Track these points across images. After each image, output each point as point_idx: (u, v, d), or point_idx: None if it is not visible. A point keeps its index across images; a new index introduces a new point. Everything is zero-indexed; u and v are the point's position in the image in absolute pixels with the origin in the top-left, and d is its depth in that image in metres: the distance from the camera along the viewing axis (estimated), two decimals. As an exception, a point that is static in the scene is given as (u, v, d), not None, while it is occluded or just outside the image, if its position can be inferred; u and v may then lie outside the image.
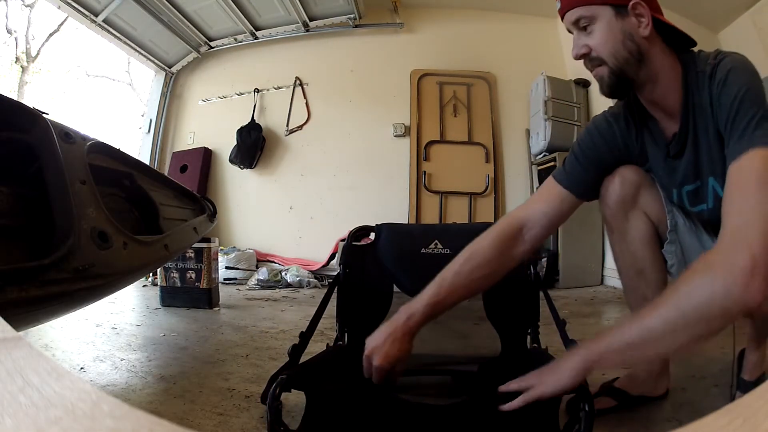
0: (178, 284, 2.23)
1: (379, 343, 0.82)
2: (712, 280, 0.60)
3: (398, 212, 3.43)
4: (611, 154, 0.91)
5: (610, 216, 0.95)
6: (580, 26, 0.80)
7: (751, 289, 0.57)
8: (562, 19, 0.84)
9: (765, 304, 0.60)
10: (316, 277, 3.15)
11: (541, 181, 3.36)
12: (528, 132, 3.49)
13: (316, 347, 1.08)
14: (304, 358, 0.97)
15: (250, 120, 3.78)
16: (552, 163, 3.14)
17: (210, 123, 3.98)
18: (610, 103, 0.98)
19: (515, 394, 0.71)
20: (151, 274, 2.70)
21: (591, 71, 0.83)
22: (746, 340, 0.98)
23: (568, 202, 0.90)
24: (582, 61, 0.83)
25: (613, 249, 0.99)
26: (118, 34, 3.45)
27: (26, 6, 7.28)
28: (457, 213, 3.44)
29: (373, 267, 1.16)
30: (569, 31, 0.84)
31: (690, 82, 0.79)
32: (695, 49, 0.83)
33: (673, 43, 0.82)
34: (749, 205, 0.62)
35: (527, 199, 0.96)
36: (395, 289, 1.16)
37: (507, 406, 0.71)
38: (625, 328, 0.67)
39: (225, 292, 2.59)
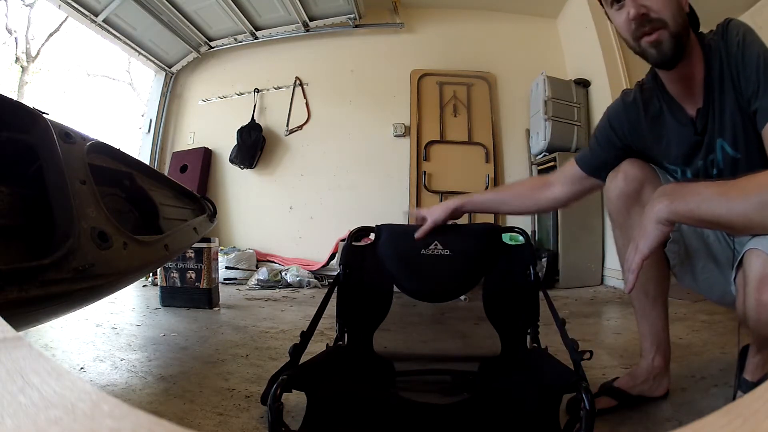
0: (178, 284, 2.23)
1: (433, 209, 1.13)
2: None
3: (398, 212, 3.43)
4: (623, 141, 0.96)
5: (613, 211, 0.97)
6: None
7: None
8: None
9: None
10: (316, 277, 3.15)
11: (541, 181, 3.36)
12: (528, 132, 3.49)
13: (316, 347, 1.08)
14: (304, 359, 0.97)
15: (250, 120, 3.78)
16: (552, 163, 3.14)
17: (210, 123, 3.98)
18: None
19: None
20: (151, 274, 2.70)
21: (641, 36, 0.81)
22: (749, 338, 0.98)
23: (585, 182, 1.04)
24: (630, 26, 0.80)
25: (617, 244, 1.01)
26: (118, 34, 3.45)
27: (26, 6, 7.28)
28: (457, 213, 3.43)
29: (373, 267, 1.16)
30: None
31: (709, 57, 0.81)
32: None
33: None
34: None
35: (554, 171, 1.16)
36: (395, 289, 1.16)
37: (630, 278, 0.77)
38: (705, 188, 0.69)
39: (225, 292, 2.59)
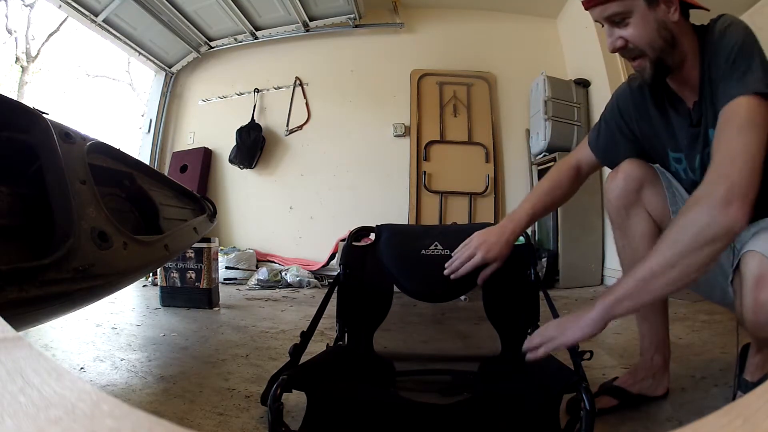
0: (178, 284, 2.23)
1: (488, 239, 1.00)
2: (699, 211, 0.69)
3: (398, 212, 3.43)
4: (628, 127, 0.96)
5: (613, 211, 0.97)
6: (614, 21, 0.81)
7: (730, 214, 0.66)
8: (587, 8, 0.84)
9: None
10: (316, 277, 3.15)
11: (541, 181, 3.36)
12: (528, 132, 3.49)
13: (316, 347, 1.08)
14: (304, 359, 0.97)
15: (250, 120, 3.78)
16: (552, 163, 3.14)
17: (210, 123, 3.98)
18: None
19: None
20: (151, 274, 2.70)
21: (630, 62, 0.85)
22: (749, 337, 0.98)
23: (594, 162, 1.05)
24: (618, 53, 0.85)
25: (617, 244, 1.02)
26: (118, 34, 3.45)
27: (26, 6, 7.28)
28: (457, 213, 3.44)
29: (373, 267, 1.16)
30: (597, 22, 0.85)
31: (705, 52, 0.81)
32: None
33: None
34: (733, 145, 0.69)
35: (572, 151, 1.12)
36: (395, 289, 1.16)
37: (531, 356, 0.78)
38: (633, 273, 0.74)
39: (225, 292, 2.59)
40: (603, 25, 0.84)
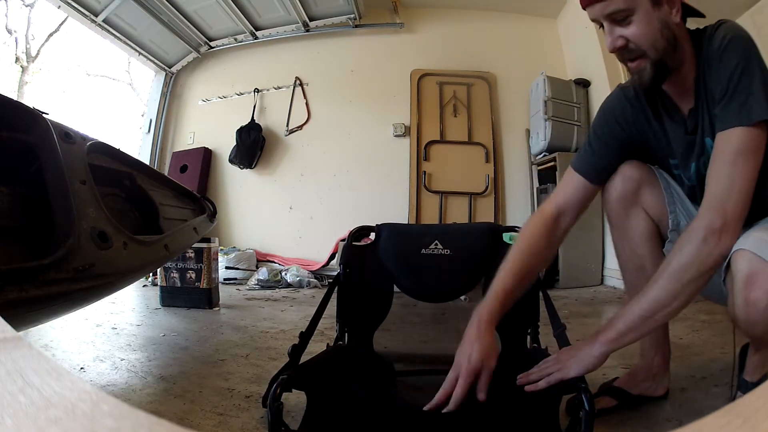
0: (178, 284, 2.23)
1: (463, 352, 0.80)
2: (696, 242, 0.73)
3: (398, 212, 3.43)
4: (626, 133, 0.93)
5: (611, 212, 0.97)
6: (616, 18, 0.77)
7: (724, 243, 0.71)
8: (585, 6, 0.80)
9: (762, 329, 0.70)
10: (316, 277, 3.15)
11: (541, 181, 3.36)
12: (528, 132, 3.49)
13: (316, 347, 1.08)
14: (304, 358, 0.97)
15: (250, 120, 3.78)
16: (552, 163, 3.14)
17: (210, 123, 3.98)
18: None
19: (518, 392, 0.71)
20: (151, 274, 2.70)
21: (627, 63, 0.82)
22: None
23: (588, 188, 0.95)
24: (616, 54, 0.82)
25: (615, 245, 1.01)
26: (118, 34, 3.45)
27: (26, 6, 7.27)
28: (457, 213, 3.44)
29: (373, 267, 1.16)
30: (595, 22, 0.81)
31: (701, 58, 0.80)
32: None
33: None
34: (729, 176, 0.72)
35: (554, 191, 1.00)
36: (395, 289, 1.16)
37: (530, 387, 0.78)
38: (632, 306, 0.76)
39: (225, 292, 2.59)
40: (601, 26, 0.80)
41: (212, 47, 3.93)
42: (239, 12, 3.49)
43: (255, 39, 3.82)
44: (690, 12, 0.83)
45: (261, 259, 3.53)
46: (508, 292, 0.85)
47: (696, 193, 0.90)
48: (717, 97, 0.76)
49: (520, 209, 3.49)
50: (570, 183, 0.95)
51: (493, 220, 3.37)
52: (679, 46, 0.80)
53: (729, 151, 0.73)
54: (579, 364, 0.78)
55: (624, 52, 0.80)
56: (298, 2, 3.42)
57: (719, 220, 0.71)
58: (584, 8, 0.80)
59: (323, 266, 3.25)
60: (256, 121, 3.79)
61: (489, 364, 0.76)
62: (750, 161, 0.72)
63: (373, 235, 1.21)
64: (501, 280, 0.87)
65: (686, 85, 0.84)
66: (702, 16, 0.84)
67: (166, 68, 3.99)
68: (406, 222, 3.38)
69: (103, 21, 3.27)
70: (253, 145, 3.70)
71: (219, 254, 2.60)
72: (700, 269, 0.72)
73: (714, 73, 0.77)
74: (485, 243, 1.15)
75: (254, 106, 3.84)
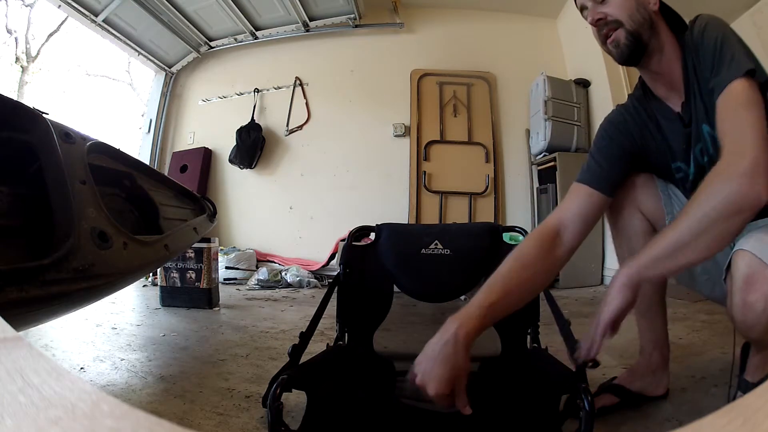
0: (178, 284, 2.23)
1: (428, 367, 0.70)
2: (723, 184, 0.67)
3: (398, 212, 3.43)
4: (628, 142, 0.94)
5: (610, 214, 0.99)
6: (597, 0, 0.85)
7: (756, 186, 0.65)
8: None
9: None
10: (316, 277, 3.15)
11: (541, 181, 3.37)
12: (528, 132, 3.49)
13: (316, 347, 1.08)
14: (304, 358, 0.97)
15: (250, 120, 3.78)
16: (552, 163, 3.14)
17: (210, 123, 3.98)
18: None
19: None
20: (151, 274, 2.70)
21: (605, 39, 0.87)
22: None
23: (594, 200, 0.91)
24: (595, 31, 0.87)
25: (614, 242, 1.04)
26: (118, 34, 3.45)
27: (26, 6, 7.27)
28: (457, 213, 3.44)
29: (373, 267, 1.16)
30: (582, 10, 0.89)
31: (687, 49, 0.84)
32: None
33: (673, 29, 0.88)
34: (741, 123, 0.70)
35: (557, 207, 0.95)
36: (395, 289, 1.16)
37: (578, 354, 0.76)
38: (658, 241, 0.72)
39: (225, 292, 2.59)
40: (586, 15, 0.88)
41: (212, 47, 3.93)
42: (239, 12, 3.49)
43: (255, 39, 3.82)
44: (671, 16, 0.88)
45: (261, 259, 3.53)
46: (494, 304, 0.76)
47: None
48: (708, 74, 0.79)
49: (520, 209, 3.49)
50: (574, 196, 0.92)
51: (493, 220, 3.37)
52: (656, 26, 0.85)
53: (733, 104, 0.73)
54: (610, 306, 0.72)
55: (602, 26, 0.86)
56: (298, 2, 3.42)
57: (747, 161, 0.66)
58: None
59: (323, 266, 3.25)
60: (256, 121, 3.79)
61: (460, 385, 0.70)
62: (753, 110, 0.71)
63: (373, 235, 1.21)
64: (487, 289, 0.78)
65: (674, 83, 0.87)
66: (684, 25, 0.87)
67: (166, 68, 3.99)
68: (406, 222, 3.38)
69: (103, 21, 3.27)
70: (253, 145, 3.70)
71: (219, 254, 2.60)
72: (729, 209, 0.66)
73: (701, 57, 0.81)
74: (485, 243, 1.15)
75: (254, 106, 3.84)
